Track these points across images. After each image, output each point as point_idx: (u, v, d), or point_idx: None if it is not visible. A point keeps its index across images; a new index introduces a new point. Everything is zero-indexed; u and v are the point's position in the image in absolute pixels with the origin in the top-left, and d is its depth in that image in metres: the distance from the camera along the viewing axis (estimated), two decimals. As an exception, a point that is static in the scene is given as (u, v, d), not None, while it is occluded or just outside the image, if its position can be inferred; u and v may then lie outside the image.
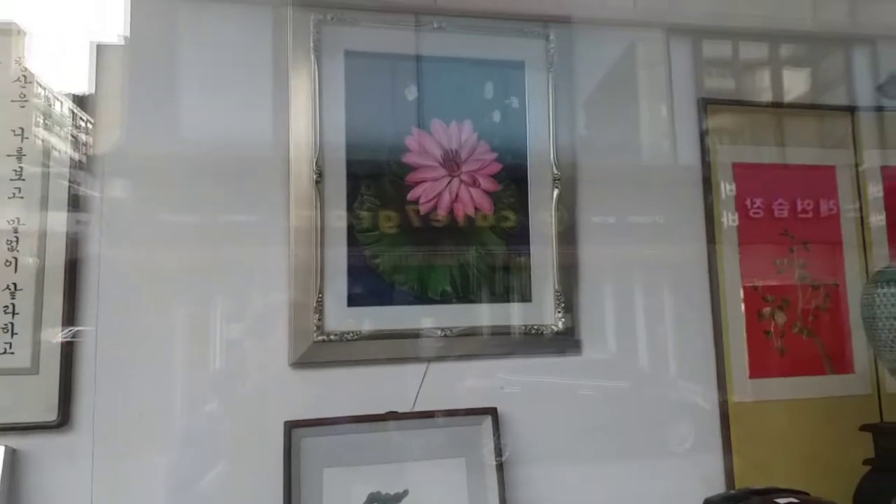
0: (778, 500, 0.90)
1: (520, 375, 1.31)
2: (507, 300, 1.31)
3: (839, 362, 1.44)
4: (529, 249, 1.33)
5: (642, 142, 1.44)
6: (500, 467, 1.22)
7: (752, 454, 1.35)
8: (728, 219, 1.43)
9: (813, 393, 1.42)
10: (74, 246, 1.17)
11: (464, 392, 1.27)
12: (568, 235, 1.34)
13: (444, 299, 1.28)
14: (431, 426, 1.24)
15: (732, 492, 0.93)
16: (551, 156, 1.34)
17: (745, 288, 1.42)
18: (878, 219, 1.52)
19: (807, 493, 0.93)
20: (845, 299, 1.47)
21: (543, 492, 1.28)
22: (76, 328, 1.15)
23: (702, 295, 1.41)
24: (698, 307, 1.41)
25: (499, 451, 1.23)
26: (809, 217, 1.47)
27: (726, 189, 1.44)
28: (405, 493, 1.20)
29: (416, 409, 1.25)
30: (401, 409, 1.23)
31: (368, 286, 1.25)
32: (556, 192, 1.33)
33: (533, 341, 1.31)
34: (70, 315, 1.15)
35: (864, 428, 1.02)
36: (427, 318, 1.27)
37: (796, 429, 1.39)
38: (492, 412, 1.26)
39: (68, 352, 1.14)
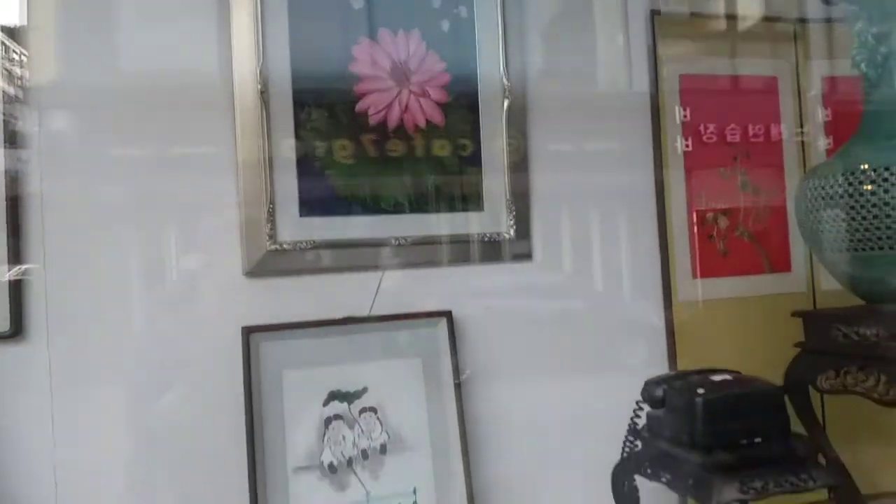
0: (713, 377, 0.96)
1: (474, 281, 1.37)
2: (460, 210, 1.35)
3: (777, 262, 1.52)
4: (481, 159, 1.35)
5: (595, 59, 1.46)
6: (457, 367, 1.29)
7: (695, 349, 1.44)
8: (677, 120, 1.48)
9: (753, 291, 1.50)
10: (15, 183, 1.14)
11: (419, 298, 1.32)
12: (519, 153, 1.37)
13: (397, 210, 1.31)
14: (388, 329, 1.29)
15: (671, 373, 1.00)
16: (500, 66, 1.35)
17: (690, 195, 1.48)
18: (819, 117, 1.58)
19: (738, 372, 1.00)
20: (784, 203, 1.54)
21: (496, 387, 1.35)
22: (24, 266, 1.15)
23: (648, 202, 1.47)
24: (646, 214, 1.47)
25: (454, 351, 1.29)
26: (760, 140, 1.53)
27: (679, 114, 1.48)
28: (364, 389, 1.26)
29: (373, 314, 1.30)
30: (358, 315, 1.28)
31: (320, 198, 1.27)
32: (506, 102, 1.35)
33: (485, 249, 1.35)
34: (16, 251, 1.14)
35: (795, 314, 1.09)
36: (380, 228, 1.30)
37: (737, 324, 1.47)
38: (447, 315, 1.31)
39: (17, 288, 1.13)
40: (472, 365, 1.34)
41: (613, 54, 1.47)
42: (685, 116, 1.48)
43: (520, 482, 1.35)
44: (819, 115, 1.56)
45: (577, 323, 1.41)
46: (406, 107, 1.32)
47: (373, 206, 1.30)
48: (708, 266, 1.48)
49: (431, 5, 1.34)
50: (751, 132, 1.51)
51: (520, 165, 1.37)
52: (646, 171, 1.47)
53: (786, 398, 0.93)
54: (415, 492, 1.24)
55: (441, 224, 1.33)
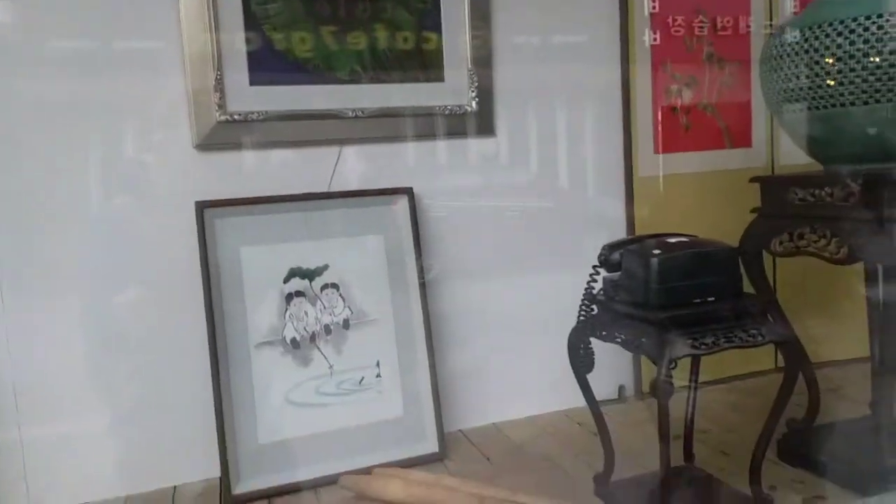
0: (669, 240, 0.97)
1: (436, 157, 1.34)
2: (420, 80, 1.29)
3: (739, 137, 1.51)
4: (441, 23, 1.29)
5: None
6: (418, 244, 1.28)
7: (654, 221, 1.45)
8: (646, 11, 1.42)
9: (714, 166, 1.50)
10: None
11: (379, 174, 1.29)
12: (482, 12, 1.31)
13: (353, 79, 1.25)
14: (348, 206, 1.27)
15: (628, 237, 1.00)
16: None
17: (655, 67, 1.44)
18: (788, 9, 1.53)
19: (695, 236, 1.01)
20: (749, 77, 1.51)
21: (457, 255, 1.35)
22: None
23: (612, 72, 1.43)
24: (609, 85, 1.43)
25: (416, 228, 1.28)
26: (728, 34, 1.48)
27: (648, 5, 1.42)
28: (325, 266, 1.25)
29: (333, 190, 1.27)
30: (317, 192, 1.25)
31: (271, 65, 1.20)
32: (465, -36, 1.27)
33: (447, 123, 1.32)
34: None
35: (753, 179, 1.09)
36: (335, 98, 1.24)
37: (696, 197, 1.48)
38: (408, 192, 1.29)
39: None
40: (435, 243, 1.34)
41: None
42: (654, 8, 1.42)
43: (481, 342, 1.38)
44: (788, 7, 1.51)
45: (541, 196, 1.40)
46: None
47: (327, 74, 1.24)
48: (670, 141, 1.47)
49: None
50: (719, 24, 1.47)
51: (483, 34, 1.31)
52: (612, 50, 1.43)
53: (739, 260, 0.94)
54: (378, 364, 1.26)
55: (400, 95, 1.28)
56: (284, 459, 1.19)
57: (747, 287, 1.09)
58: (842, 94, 0.90)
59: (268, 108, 1.20)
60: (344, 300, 1.25)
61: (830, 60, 0.91)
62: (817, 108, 0.95)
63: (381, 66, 1.26)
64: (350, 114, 1.25)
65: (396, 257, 1.28)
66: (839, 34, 0.89)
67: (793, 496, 1.02)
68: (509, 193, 1.37)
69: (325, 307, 1.24)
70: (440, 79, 1.30)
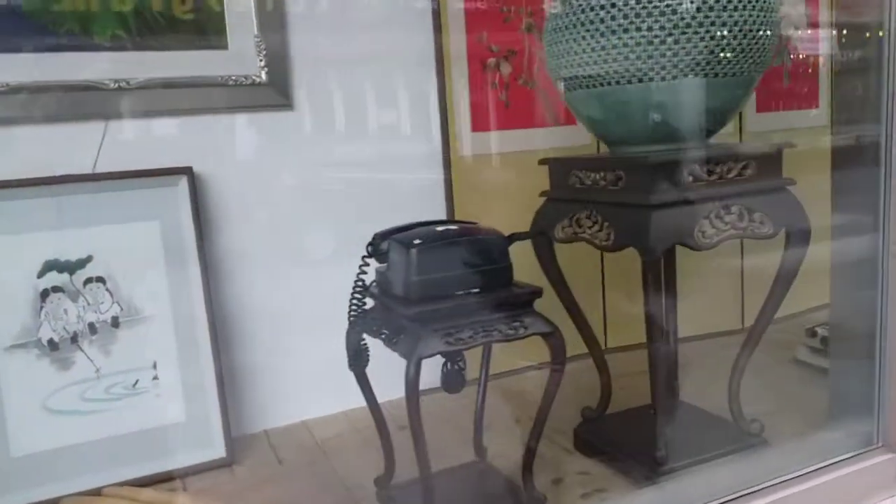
0: (439, 228, 0.90)
1: (221, 133, 1.21)
2: (199, 47, 1.16)
3: (565, 114, 1.46)
4: (220, -13, 1.16)
5: None
6: (200, 232, 1.15)
7: (474, 205, 1.38)
8: None
9: (537, 145, 1.45)
10: None
11: (155, 153, 1.15)
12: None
13: (116, 45, 1.11)
14: (117, 189, 1.12)
15: (400, 225, 0.93)
16: None
17: (469, 38, 1.36)
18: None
19: (474, 223, 0.94)
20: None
21: (247, 241, 1.24)
22: None
23: (427, 46, 1.34)
24: (423, 56, 1.34)
25: (197, 214, 1.15)
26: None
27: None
28: (89, 258, 1.10)
29: (98, 171, 1.12)
30: (78, 174, 1.10)
31: (10, 28, 1.04)
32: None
33: (234, 95, 1.19)
34: None
35: (542, 161, 1.03)
36: (94, 67, 1.09)
37: (516, 178, 1.42)
38: (187, 172, 1.16)
39: None
40: (222, 229, 1.22)
41: None
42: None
43: (271, 338, 1.28)
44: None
45: (347, 183, 1.30)
46: (119, -84, 1.08)
47: (83, 39, 1.09)
48: (490, 118, 1.40)
49: None
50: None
51: (273, -2, 1.19)
52: (424, 16, 1.33)
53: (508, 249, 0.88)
54: (155, 365, 1.13)
55: (175, 64, 1.14)
56: (44, 473, 1.05)
57: (537, 276, 1.04)
58: (607, 73, 0.85)
59: (8, 78, 1.04)
60: (112, 295, 1.11)
61: (598, 34, 0.85)
62: (587, 86, 0.89)
63: (150, 31, 1.12)
64: (112, 85, 1.10)
65: (175, 246, 1.15)
66: (602, 7, 0.83)
67: (575, 489, 0.98)
68: (311, 174, 1.26)
69: (88, 304, 1.10)
70: (223, 45, 1.17)
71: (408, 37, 1.32)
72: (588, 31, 0.84)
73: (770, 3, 0.87)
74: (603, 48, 0.83)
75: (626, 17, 0.81)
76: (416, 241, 0.83)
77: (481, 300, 0.83)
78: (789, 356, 1.45)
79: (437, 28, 1.32)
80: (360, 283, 0.92)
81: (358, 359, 0.95)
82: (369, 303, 0.93)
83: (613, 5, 0.82)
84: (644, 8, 0.80)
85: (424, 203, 1.37)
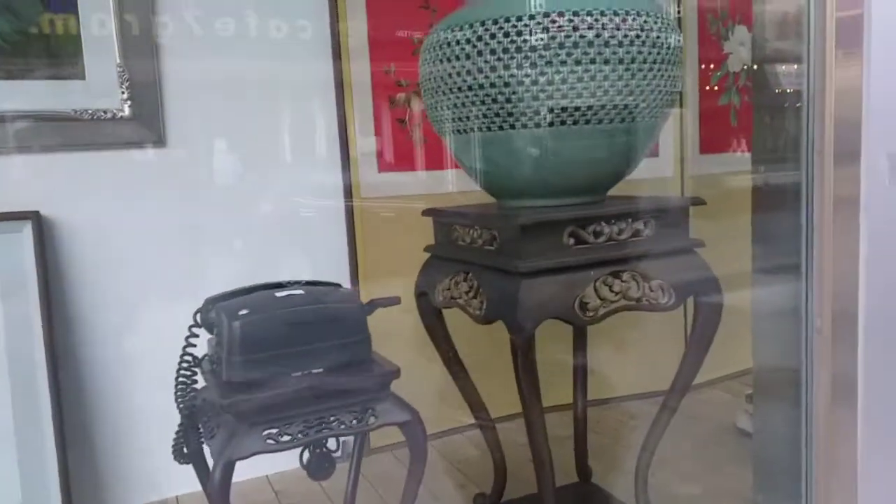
0: (279, 293, 0.76)
1: (76, 173, 1.06)
2: (50, 77, 1.02)
3: (479, 154, 1.34)
4: (77, 10, 1.02)
5: None
6: (45, 277, 1.01)
7: (378, 253, 1.24)
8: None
9: (446, 188, 1.31)
10: None
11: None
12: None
13: (-52, 72, 0.97)
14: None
15: (235, 289, 0.79)
16: None
17: (374, 72, 1.23)
18: None
19: (335, 285, 0.80)
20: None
21: (103, 292, 1.08)
22: None
23: (325, 77, 1.21)
24: (321, 92, 1.21)
25: (43, 263, 1.00)
26: None
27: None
28: None
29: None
30: None
31: None
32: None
33: (93, 130, 1.05)
34: None
35: (425, 213, 0.89)
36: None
37: (423, 226, 1.29)
38: (32, 216, 1.01)
39: None
40: (74, 281, 1.07)
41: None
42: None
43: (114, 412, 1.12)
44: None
45: (229, 227, 1.16)
46: (-49, -73, 0.95)
47: None
48: (398, 158, 1.27)
49: None
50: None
51: (141, 15, 1.05)
52: (322, 47, 1.20)
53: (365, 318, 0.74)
54: (-18, 439, 0.98)
55: (23, 96, 1.01)
56: None
57: (416, 347, 0.91)
58: (485, 117, 0.72)
59: None
60: (-70, 358, 0.96)
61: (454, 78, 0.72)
62: (458, 132, 0.76)
63: (-9, 56, 0.98)
64: (-60, 116, 0.96)
65: (14, 298, 1.00)
66: (469, 42, 0.70)
67: None
68: (182, 217, 1.12)
69: None
70: (79, 75, 1.04)
71: (303, 66, 1.19)
72: (451, 73, 0.72)
73: (666, 49, 0.74)
74: (470, 88, 0.70)
75: (486, 61, 0.69)
76: (243, 312, 0.69)
77: (323, 384, 0.69)
78: (729, 423, 1.31)
79: (337, 55, 1.19)
80: (188, 359, 0.77)
81: (200, 466, 0.79)
82: (201, 380, 0.78)
83: (480, 38, 0.69)
84: (505, 50, 0.68)
85: (319, 251, 1.22)
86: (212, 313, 0.74)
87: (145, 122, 1.07)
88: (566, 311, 0.68)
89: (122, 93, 1.05)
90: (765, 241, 0.76)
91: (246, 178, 1.16)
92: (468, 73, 0.71)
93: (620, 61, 0.70)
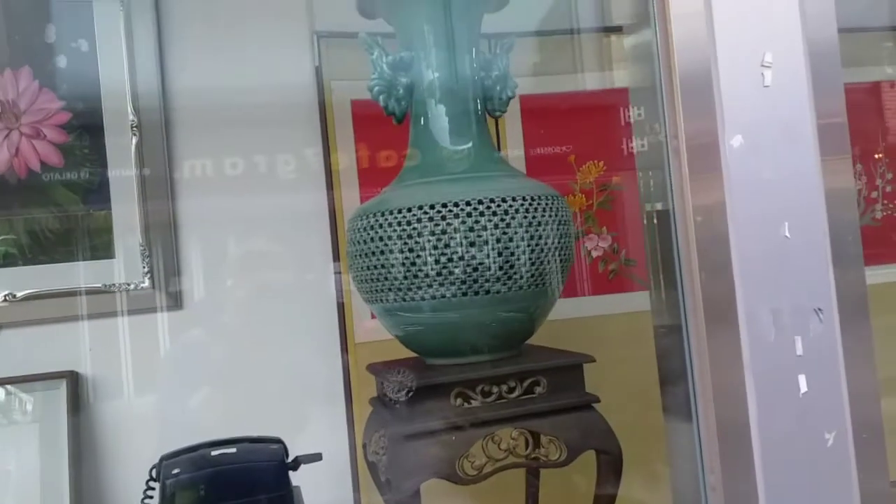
0: (216, 452, 0.87)
1: (109, 338, 1.26)
2: (87, 257, 1.25)
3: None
4: (110, 199, 1.26)
5: (253, 80, 1.37)
6: (77, 436, 1.18)
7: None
8: (349, 161, 1.38)
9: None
10: None
11: (37, 358, 1.22)
12: (158, 187, 1.28)
13: (8, 263, 1.21)
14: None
15: (191, 446, 0.90)
16: (128, 100, 1.26)
17: (363, 196, 1.38)
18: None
19: (276, 440, 0.90)
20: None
21: (126, 457, 1.24)
22: None
23: (324, 242, 1.37)
24: (321, 253, 1.37)
25: (76, 417, 1.18)
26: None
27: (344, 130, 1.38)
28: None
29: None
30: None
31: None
32: (135, 139, 1.26)
33: (122, 301, 1.26)
34: None
35: (368, 368, 0.99)
36: (-12, 282, 1.20)
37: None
38: (68, 375, 1.21)
39: None
40: (106, 436, 1.24)
41: (279, 72, 1.38)
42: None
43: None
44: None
45: (243, 383, 1.31)
46: (17, 150, 1.22)
47: (-24, 260, 1.20)
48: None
49: (45, 41, 1.24)
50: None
51: (162, 203, 1.28)
52: (319, 192, 1.37)
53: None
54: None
55: (64, 275, 1.23)
56: None
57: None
58: (384, 290, 0.83)
59: None
60: (-22, 502, 1.14)
61: (387, 248, 0.84)
62: (379, 301, 0.87)
63: (41, 247, 1.22)
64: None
65: (52, 445, 1.18)
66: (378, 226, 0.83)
67: None
68: (199, 375, 1.28)
69: (-47, 511, 1.13)
70: (110, 255, 1.26)
71: (307, 237, 1.36)
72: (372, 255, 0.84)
73: (563, 225, 0.83)
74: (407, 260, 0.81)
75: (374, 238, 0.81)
76: (175, 471, 0.81)
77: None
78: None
79: (335, 230, 1.36)
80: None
81: None
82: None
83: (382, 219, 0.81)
84: (386, 230, 0.79)
85: (325, 402, 1.34)
86: (166, 469, 0.86)
87: (166, 289, 1.27)
88: (448, 471, 0.74)
89: (145, 268, 1.26)
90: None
91: (253, 331, 1.32)
92: (379, 252, 0.83)
93: (522, 239, 0.80)
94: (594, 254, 1.43)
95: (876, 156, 1.50)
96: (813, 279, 0.70)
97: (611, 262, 1.43)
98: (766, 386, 0.76)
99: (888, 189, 1.48)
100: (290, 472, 0.87)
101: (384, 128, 1.37)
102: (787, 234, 0.69)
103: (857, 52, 1.54)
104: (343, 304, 1.35)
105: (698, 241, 0.75)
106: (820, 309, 0.70)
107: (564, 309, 1.43)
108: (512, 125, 1.43)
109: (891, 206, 1.48)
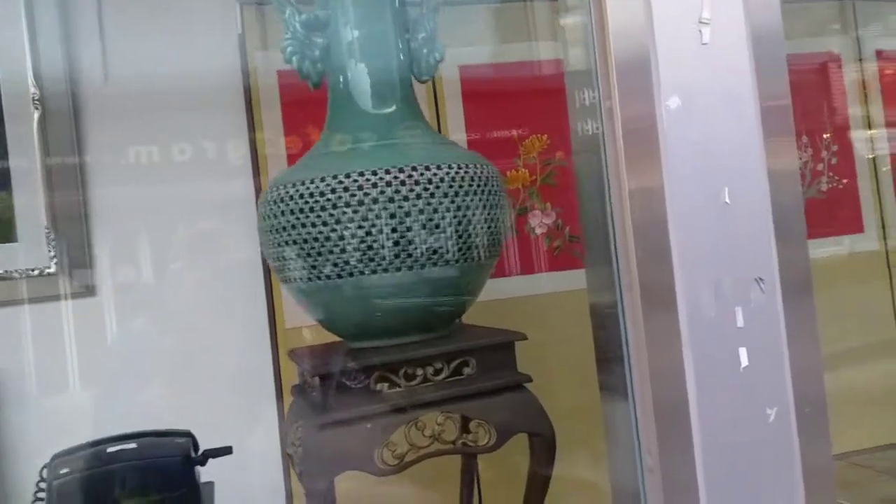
0: (112, 448, 0.79)
1: (14, 327, 1.16)
2: (-12, 241, 1.14)
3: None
4: (10, 181, 1.15)
5: (174, 56, 1.27)
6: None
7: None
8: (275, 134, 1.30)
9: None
10: None
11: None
12: (66, 172, 1.17)
13: None
14: None
15: (87, 442, 0.82)
16: (29, 79, 1.15)
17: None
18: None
19: (185, 434, 0.82)
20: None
21: (29, 455, 1.14)
22: None
23: (250, 226, 1.28)
24: (247, 237, 1.28)
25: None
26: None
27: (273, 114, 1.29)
28: None
29: None
30: None
31: None
32: (36, 113, 1.15)
33: (28, 287, 1.16)
34: None
35: (290, 354, 0.92)
36: None
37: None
38: (-34, 370, 1.11)
39: None
40: (10, 432, 1.14)
41: (200, 48, 1.28)
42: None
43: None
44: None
45: (162, 374, 1.22)
46: None
47: None
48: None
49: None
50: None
51: (69, 184, 1.18)
52: (245, 175, 1.29)
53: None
54: None
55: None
56: None
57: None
58: (302, 269, 0.76)
59: None
60: None
61: (307, 221, 0.77)
62: (295, 280, 0.80)
63: (-69, 229, 1.12)
64: None
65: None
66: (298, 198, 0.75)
67: None
68: (113, 366, 1.19)
69: None
70: (12, 239, 1.15)
71: (233, 218, 1.28)
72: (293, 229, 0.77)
73: (492, 196, 0.77)
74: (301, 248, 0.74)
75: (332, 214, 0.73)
76: (64, 471, 0.73)
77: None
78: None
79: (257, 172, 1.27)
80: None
81: None
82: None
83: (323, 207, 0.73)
84: (348, 205, 0.72)
85: (257, 390, 1.26)
86: (62, 468, 0.78)
87: (76, 275, 1.17)
88: (365, 463, 0.68)
89: (50, 252, 1.16)
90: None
91: (173, 316, 1.23)
92: (290, 227, 0.76)
93: (448, 210, 0.73)
94: (538, 230, 1.38)
95: (824, 134, 1.48)
96: (754, 247, 0.65)
97: (555, 238, 1.39)
98: (705, 360, 0.71)
99: (833, 161, 1.47)
100: (204, 468, 0.80)
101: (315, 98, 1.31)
102: (727, 199, 0.64)
103: (801, 24, 1.53)
104: (272, 287, 1.28)
105: (633, 209, 0.70)
106: (761, 279, 0.65)
107: (508, 287, 1.38)
108: (452, 97, 1.37)
109: (836, 178, 1.47)
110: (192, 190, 1.25)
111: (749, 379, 0.64)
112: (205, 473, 0.84)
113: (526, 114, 1.39)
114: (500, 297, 1.32)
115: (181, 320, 1.23)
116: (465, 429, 0.73)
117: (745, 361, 0.65)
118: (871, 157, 1.49)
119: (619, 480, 0.73)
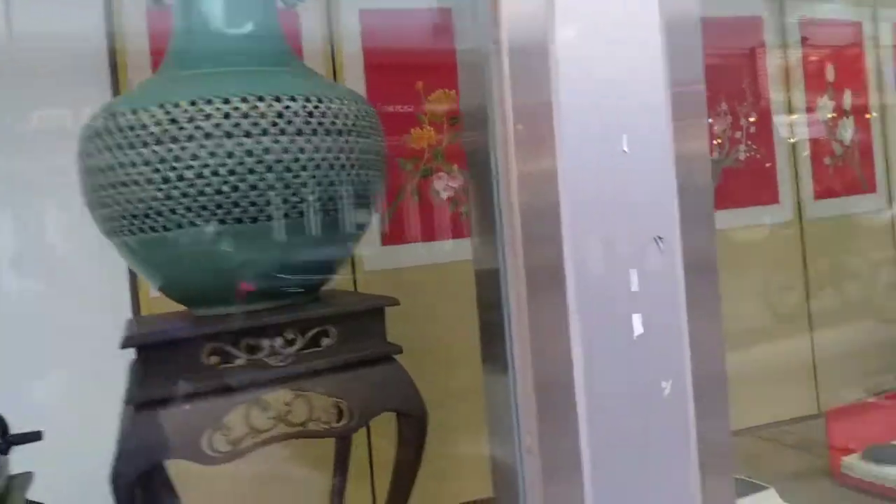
0: None
1: None
2: None
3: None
4: None
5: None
6: None
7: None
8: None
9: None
10: None
11: None
12: None
13: None
14: None
15: None
16: None
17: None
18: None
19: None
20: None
21: None
22: None
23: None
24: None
25: None
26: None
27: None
28: None
29: None
30: None
31: None
32: None
33: None
34: None
35: (127, 324, 0.77)
36: None
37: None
38: None
39: None
40: None
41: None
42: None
43: None
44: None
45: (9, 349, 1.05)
46: None
47: None
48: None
49: None
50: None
51: None
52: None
53: None
54: None
55: None
56: None
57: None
58: (134, 217, 0.61)
59: None
60: None
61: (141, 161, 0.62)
62: (128, 232, 0.65)
63: None
64: None
65: None
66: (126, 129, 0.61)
67: None
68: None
69: None
70: None
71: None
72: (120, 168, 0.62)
73: (352, 121, 0.65)
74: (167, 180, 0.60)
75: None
76: None
77: None
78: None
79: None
80: None
81: None
82: None
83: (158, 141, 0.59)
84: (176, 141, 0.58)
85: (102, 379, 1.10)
86: None
87: None
88: (189, 450, 0.56)
89: None
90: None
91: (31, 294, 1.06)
92: (108, 168, 0.61)
93: (303, 151, 0.61)
94: (444, 194, 1.27)
95: (742, 102, 1.43)
96: (653, 202, 0.56)
97: (462, 203, 1.28)
98: (593, 329, 0.62)
99: (752, 130, 1.43)
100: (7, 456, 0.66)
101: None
102: (626, 148, 0.54)
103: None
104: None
105: (518, 154, 0.60)
106: (660, 238, 0.56)
107: (407, 256, 1.27)
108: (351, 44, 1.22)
109: (754, 147, 1.42)
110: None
111: (643, 349, 0.56)
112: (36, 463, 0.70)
113: (435, 67, 1.27)
114: (397, 265, 1.21)
115: (38, 299, 1.06)
116: (321, 408, 0.62)
117: (638, 329, 0.57)
118: (788, 124, 1.47)
119: (500, 465, 0.65)
